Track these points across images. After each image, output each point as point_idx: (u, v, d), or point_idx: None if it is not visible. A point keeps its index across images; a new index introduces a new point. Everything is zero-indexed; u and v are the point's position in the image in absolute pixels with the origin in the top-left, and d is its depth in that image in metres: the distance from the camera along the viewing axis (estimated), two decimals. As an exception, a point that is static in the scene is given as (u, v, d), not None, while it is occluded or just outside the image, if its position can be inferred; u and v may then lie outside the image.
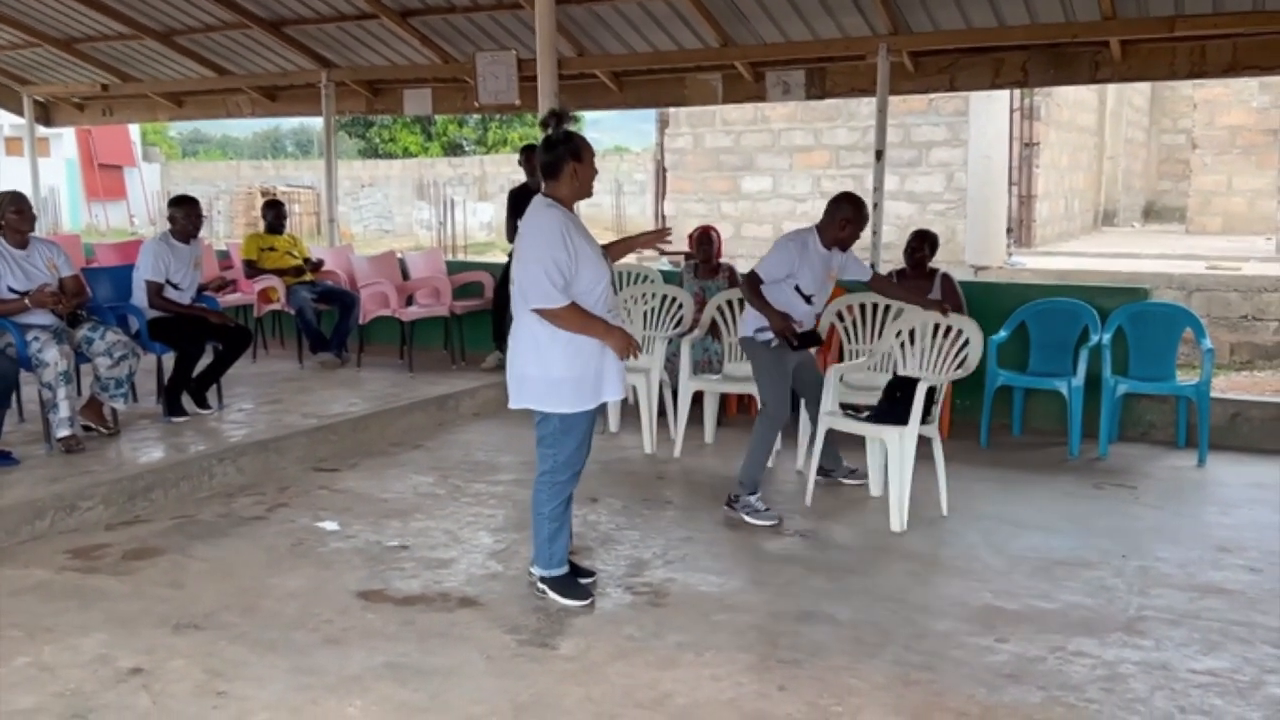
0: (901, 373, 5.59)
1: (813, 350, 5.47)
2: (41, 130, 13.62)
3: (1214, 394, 6.34)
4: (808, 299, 5.10)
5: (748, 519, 4.92)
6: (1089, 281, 10.33)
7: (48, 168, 30.07)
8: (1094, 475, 5.85)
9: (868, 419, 5.18)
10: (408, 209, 29.81)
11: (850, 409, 5.38)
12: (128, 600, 4.02)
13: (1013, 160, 15.47)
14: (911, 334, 5.72)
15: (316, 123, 41.26)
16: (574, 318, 3.73)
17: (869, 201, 7.63)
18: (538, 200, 3.86)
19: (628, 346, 3.82)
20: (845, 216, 5.09)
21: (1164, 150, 26.21)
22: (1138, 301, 6.66)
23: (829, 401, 5.35)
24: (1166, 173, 25.93)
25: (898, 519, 4.87)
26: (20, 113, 11.85)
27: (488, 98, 8.35)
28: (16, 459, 5.28)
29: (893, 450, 4.90)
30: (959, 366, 5.24)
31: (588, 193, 3.91)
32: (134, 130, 33.54)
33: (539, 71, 4.43)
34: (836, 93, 8.32)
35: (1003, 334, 6.57)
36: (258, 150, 53.22)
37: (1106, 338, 6.36)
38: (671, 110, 16.39)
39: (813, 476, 5.31)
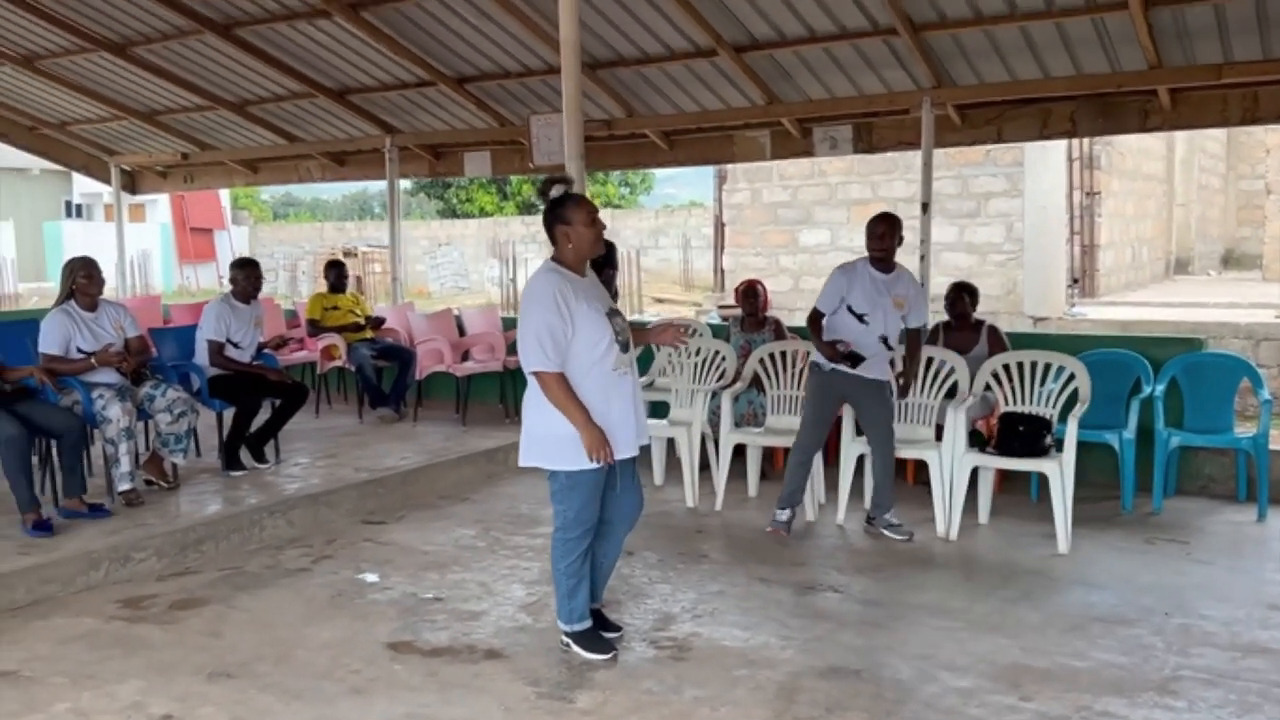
0: (1007, 409, 5.84)
1: (892, 391, 5.61)
2: (138, 196, 14.32)
3: (1274, 446, 6.15)
4: (860, 318, 5.33)
5: (766, 529, 5.55)
6: (1148, 332, 10.11)
7: (144, 232, 31.60)
8: (1146, 530, 5.71)
9: (1005, 454, 5.56)
10: (482, 267, 30.39)
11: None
12: (168, 649, 4.17)
13: (1074, 210, 15.24)
14: (1006, 370, 5.92)
15: (399, 186, 42.58)
16: (558, 391, 3.75)
17: (918, 254, 7.72)
18: (541, 265, 3.98)
19: (597, 449, 3.76)
20: (874, 232, 5.35)
21: (1243, 196, 25.56)
22: (1192, 352, 6.52)
23: (961, 441, 5.57)
24: (1246, 219, 25.25)
25: (1065, 544, 5.28)
26: (108, 181, 12.47)
27: (542, 159, 8.56)
28: (109, 510, 5.51)
29: (1054, 482, 5.35)
30: (1070, 402, 5.69)
31: (588, 252, 3.91)
32: (224, 195, 34.91)
33: (566, 136, 4.56)
34: (883, 146, 8.36)
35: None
36: (346, 212, 54.87)
37: (1159, 389, 6.24)
38: (729, 166, 16.55)
39: (839, 515, 5.47)
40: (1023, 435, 5.59)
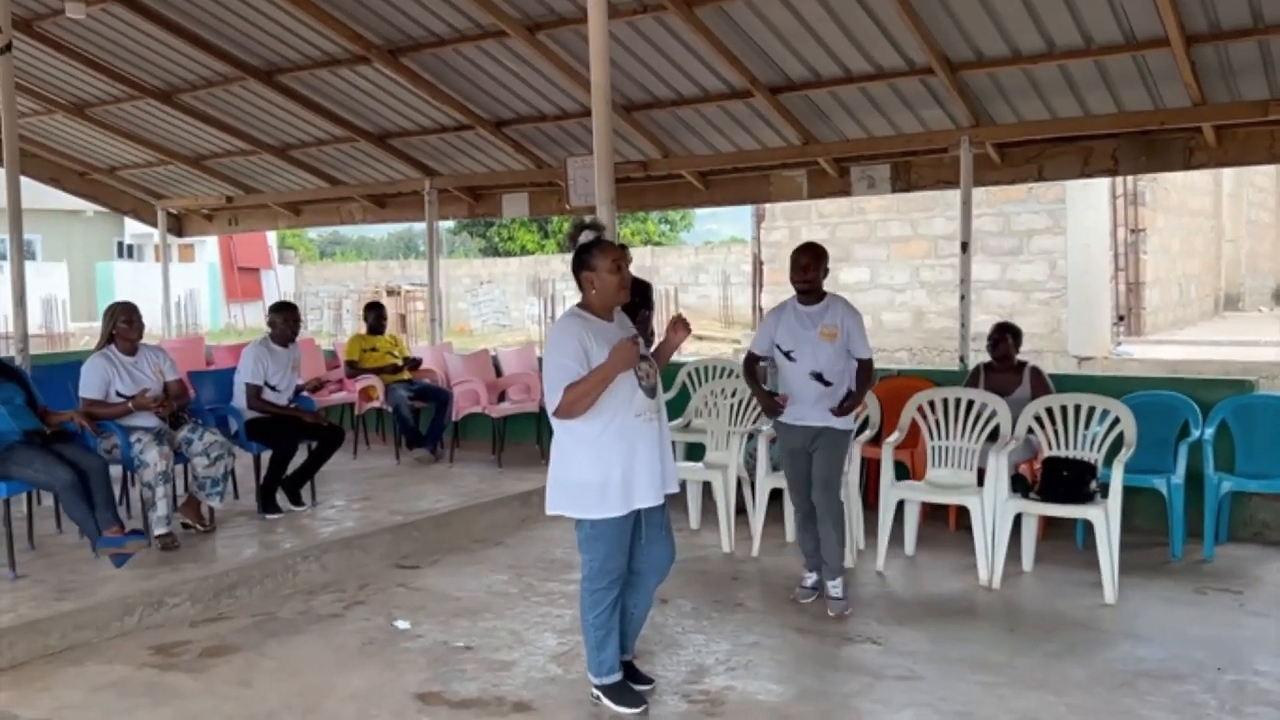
0: (1050, 453, 5.71)
1: (849, 438, 5.19)
2: (191, 238, 14.57)
3: (1331, 492, 5.95)
4: (788, 355, 5.02)
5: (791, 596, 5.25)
6: (1196, 373, 9.87)
7: (192, 272, 32.19)
8: (1196, 579, 5.53)
9: (1049, 500, 5.43)
10: (523, 304, 30.56)
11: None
12: (197, 698, 4.15)
13: (1118, 246, 15.02)
14: (1049, 412, 5.77)
15: (442, 225, 43.03)
16: (575, 391, 3.68)
17: (958, 293, 7.61)
18: (566, 309, 3.95)
19: (627, 354, 3.67)
20: (797, 264, 5.03)
21: (1294, 230, 25.11)
22: (1243, 394, 6.35)
23: (1004, 486, 5.43)
24: (1297, 253, 24.79)
25: (1111, 594, 5.12)
26: (155, 224, 12.70)
27: (578, 200, 8.58)
28: (144, 533, 5.52)
29: (1100, 529, 5.19)
30: (1114, 448, 5.56)
31: (612, 299, 3.86)
32: (271, 235, 35.51)
33: (596, 179, 4.55)
34: (922, 185, 8.30)
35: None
36: (391, 250, 55.54)
37: (1209, 432, 6.07)
38: (767, 205, 16.53)
39: (878, 561, 5.22)
40: (1067, 481, 5.45)
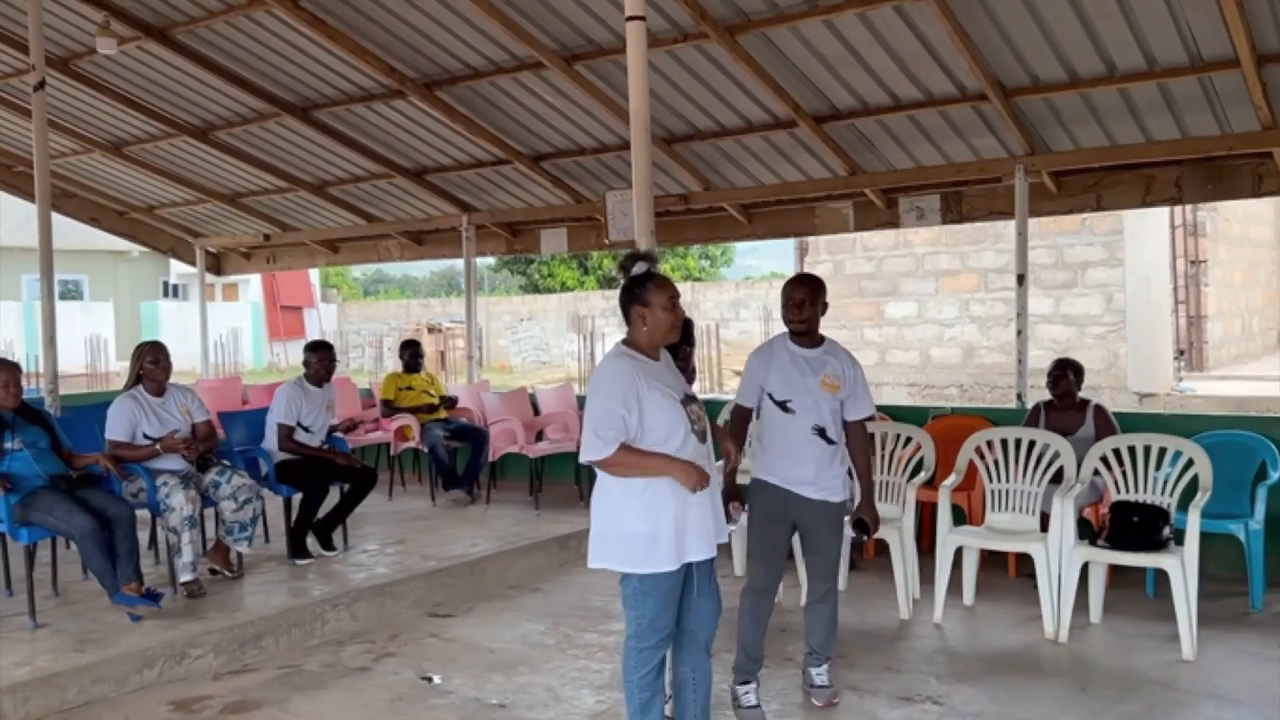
0: (1118, 497, 5.37)
1: (846, 512, 4.40)
2: (230, 277, 14.61)
3: None
4: (783, 406, 4.18)
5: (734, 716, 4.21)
6: (1266, 410, 9.43)
7: (236, 310, 32.49)
8: (1281, 633, 5.15)
9: (1119, 548, 5.06)
10: (563, 341, 30.47)
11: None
12: (215, 760, 3.92)
13: (1178, 279, 14.56)
14: (1116, 454, 5.43)
15: (483, 263, 43.18)
16: (625, 459, 3.44)
17: (1014, 327, 7.30)
18: (611, 349, 3.69)
19: (696, 480, 3.46)
20: (791, 299, 4.25)
21: (1363, 261, 24.40)
22: (1323, 433, 5.96)
23: (1070, 532, 5.07)
24: (1366, 285, 24.06)
25: (1190, 649, 4.76)
26: (193, 262, 12.70)
27: (617, 234, 8.40)
28: (160, 594, 5.26)
29: (1175, 579, 4.84)
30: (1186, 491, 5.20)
31: (662, 338, 3.60)
32: (314, 274, 35.81)
33: (635, 211, 4.32)
34: (974, 216, 8.00)
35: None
36: (434, 288, 55.93)
37: (1289, 474, 5.69)
38: (810, 237, 16.26)
39: (936, 613, 4.86)
40: (1138, 526, 5.11)
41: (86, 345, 23.21)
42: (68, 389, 12.25)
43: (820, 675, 4.39)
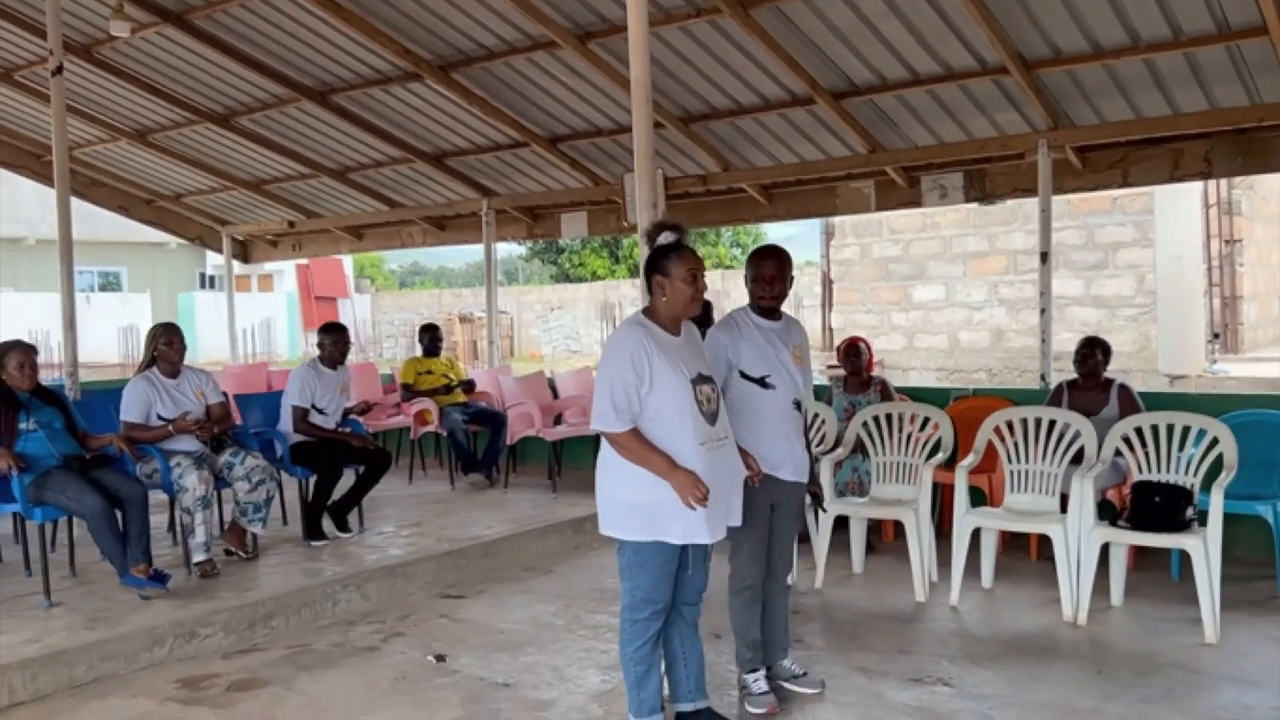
0: (1140, 477, 5.23)
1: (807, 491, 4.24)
2: (261, 265, 14.74)
3: None
4: (761, 383, 3.97)
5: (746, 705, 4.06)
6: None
7: (271, 301, 32.81)
8: (1309, 616, 5.00)
9: (1140, 528, 4.94)
10: (593, 330, 30.47)
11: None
12: (217, 737, 3.92)
13: (1212, 260, 14.24)
14: (1139, 433, 5.30)
15: (514, 252, 43.23)
16: (632, 446, 3.42)
17: (1038, 308, 7.16)
18: (629, 317, 3.64)
19: (691, 491, 3.37)
20: (761, 274, 4.05)
21: (1406, 240, 23.80)
22: (1357, 412, 5.79)
23: (1089, 513, 4.94)
24: None
25: (1212, 632, 4.63)
26: (221, 250, 12.79)
27: (635, 217, 8.32)
28: (168, 575, 5.28)
29: (1198, 561, 4.70)
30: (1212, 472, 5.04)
31: (682, 310, 3.55)
32: (348, 265, 36.06)
33: (637, 188, 4.27)
34: (997, 194, 7.87)
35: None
36: (470, 279, 56.16)
37: (1320, 454, 5.53)
38: (836, 220, 16.09)
39: (952, 595, 4.75)
40: (1160, 507, 4.97)
41: (121, 335, 23.54)
42: (103, 377, 12.42)
43: (794, 663, 4.27)
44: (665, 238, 3.60)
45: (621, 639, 3.60)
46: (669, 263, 3.52)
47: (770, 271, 4.05)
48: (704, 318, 7.03)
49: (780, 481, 4.00)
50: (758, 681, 4.09)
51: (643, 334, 3.48)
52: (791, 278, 4.14)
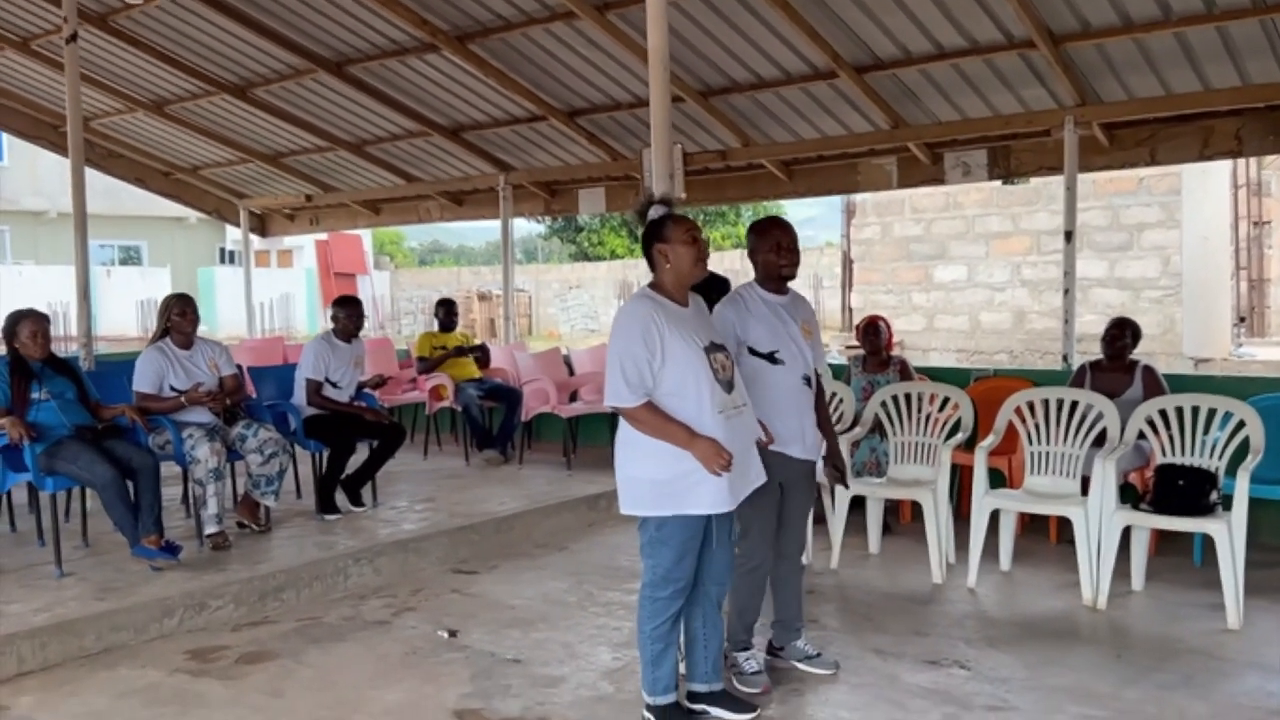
0: (1164, 460, 5.13)
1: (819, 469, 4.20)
2: (280, 239, 14.74)
3: None
4: (771, 358, 3.88)
5: (735, 682, 3.97)
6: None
7: (290, 277, 32.88)
8: (1335, 603, 4.90)
9: (1162, 512, 4.83)
10: (611, 309, 30.40)
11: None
12: (225, 708, 3.89)
13: (1239, 242, 14.01)
14: (1163, 415, 5.18)
15: (533, 231, 43.10)
16: (648, 419, 3.37)
17: (1062, 288, 7.04)
18: (636, 291, 3.58)
19: (715, 459, 3.33)
20: (778, 243, 3.95)
21: None
22: (1386, 396, 5.66)
23: (1111, 496, 4.84)
24: None
25: (1235, 618, 4.53)
26: (238, 223, 12.77)
27: (654, 191, 8.24)
28: (179, 547, 5.25)
29: (1222, 545, 4.61)
30: (1238, 455, 4.90)
31: (688, 273, 3.50)
32: (368, 242, 36.07)
33: (654, 160, 4.18)
34: (1022, 172, 7.72)
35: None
36: (490, 258, 56.15)
37: (1348, 439, 5.40)
38: (858, 199, 15.92)
39: (970, 577, 4.68)
40: (1183, 490, 4.88)
41: (139, 309, 23.62)
42: (122, 350, 12.44)
43: (808, 643, 4.21)
44: (655, 212, 3.56)
45: (640, 616, 3.56)
46: (666, 229, 3.49)
47: (789, 240, 3.97)
48: (722, 291, 6.99)
49: (790, 459, 3.93)
50: (749, 661, 4.04)
51: (652, 307, 3.43)
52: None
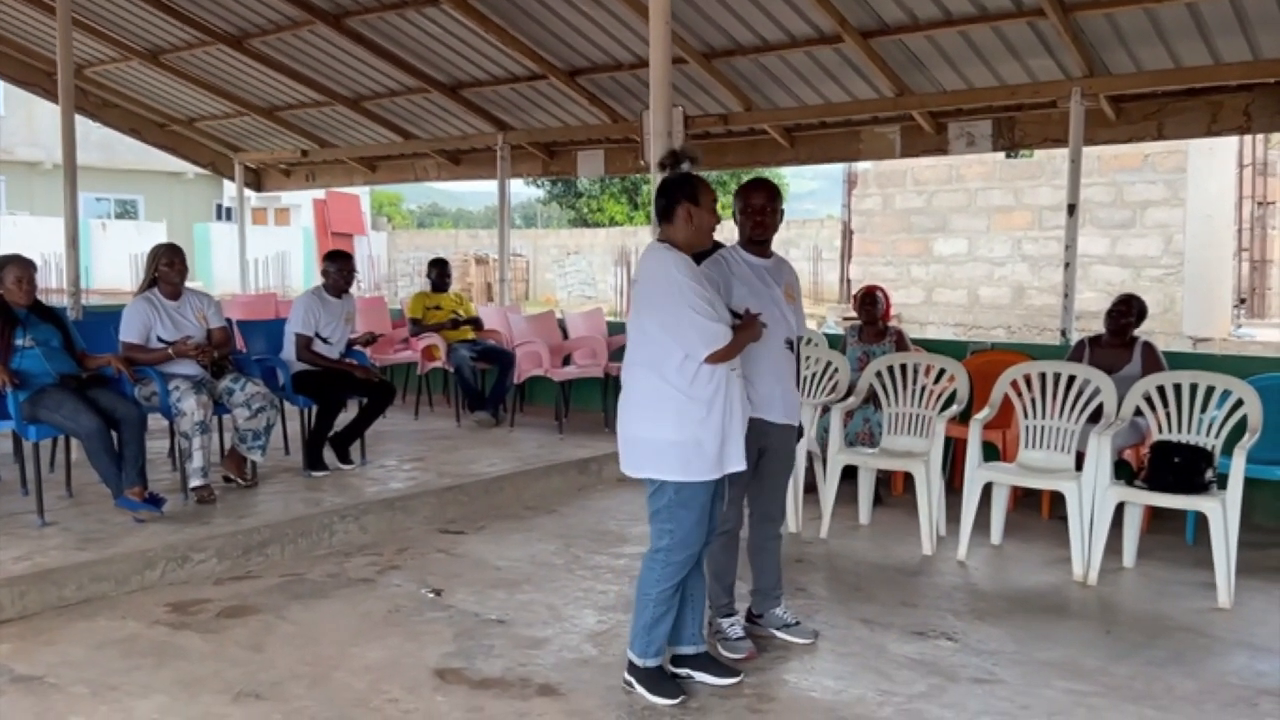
0: (1160, 437, 5.07)
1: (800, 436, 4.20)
2: (285, 199, 14.61)
3: None
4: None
5: (719, 648, 3.94)
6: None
7: (287, 235, 32.71)
8: (1327, 584, 4.87)
9: (1156, 489, 4.79)
10: (609, 276, 30.26)
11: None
12: (203, 661, 3.84)
13: (1243, 222, 13.90)
14: (1161, 392, 5.12)
15: (532, 196, 42.87)
16: (731, 349, 3.41)
17: (1063, 262, 6.96)
18: (651, 246, 3.51)
19: (756, 329, 3.51)
20: (750, 204, 3.90)
21: None
22: (1385, 378, 5.60)
23: (1105, 472, 4.77)
24: None
25: (1226, 597, 4.52)
26: (233, 177, 12.64)
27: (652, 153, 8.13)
28: (163, 499, 5.21)
29: (1215, 523, 4.57)
30: (1235, 434, 4.84)
31: (705, 241, 3.52)
32: (365, 202, 35.86)
33: (653, 120, 4.10)
34: (1027, 143, 7.64)
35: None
36: (488, 221, 55.88)
37: (1346, 420, 5.35)
38: (860, 169, 15.80)
39: (960, 550, 4.64)
40: (1178, 468, 4.83)
41: (132, 262, 23.44)
42: (115, 302, 12.34)
43: (787, 611, 4.16)
44: (686, 166, 3.52)
45: (647, 579, 3.51)
46: (700, 192, 3.45)
47: (760, 202, 3.90)
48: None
49: (769, 424, 3.87)
50: (733, 627, 4.00)
51: (682, 256, 3.41)
52: (781, 212, 3.98)
